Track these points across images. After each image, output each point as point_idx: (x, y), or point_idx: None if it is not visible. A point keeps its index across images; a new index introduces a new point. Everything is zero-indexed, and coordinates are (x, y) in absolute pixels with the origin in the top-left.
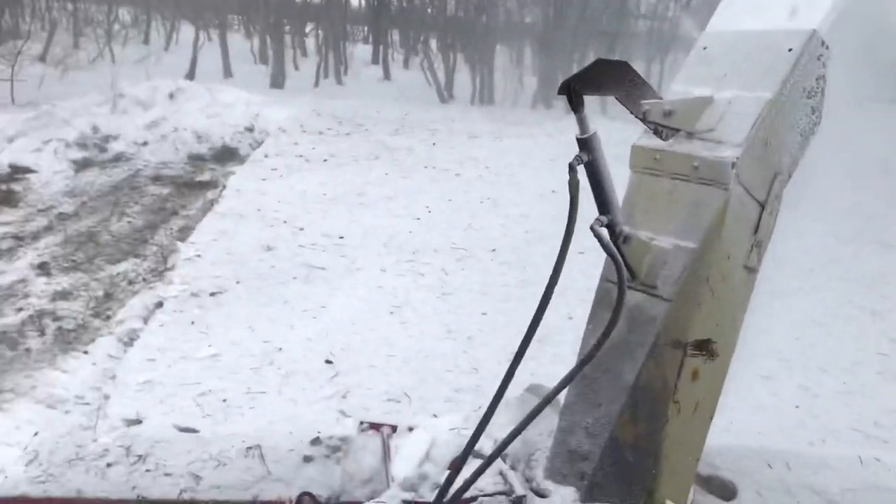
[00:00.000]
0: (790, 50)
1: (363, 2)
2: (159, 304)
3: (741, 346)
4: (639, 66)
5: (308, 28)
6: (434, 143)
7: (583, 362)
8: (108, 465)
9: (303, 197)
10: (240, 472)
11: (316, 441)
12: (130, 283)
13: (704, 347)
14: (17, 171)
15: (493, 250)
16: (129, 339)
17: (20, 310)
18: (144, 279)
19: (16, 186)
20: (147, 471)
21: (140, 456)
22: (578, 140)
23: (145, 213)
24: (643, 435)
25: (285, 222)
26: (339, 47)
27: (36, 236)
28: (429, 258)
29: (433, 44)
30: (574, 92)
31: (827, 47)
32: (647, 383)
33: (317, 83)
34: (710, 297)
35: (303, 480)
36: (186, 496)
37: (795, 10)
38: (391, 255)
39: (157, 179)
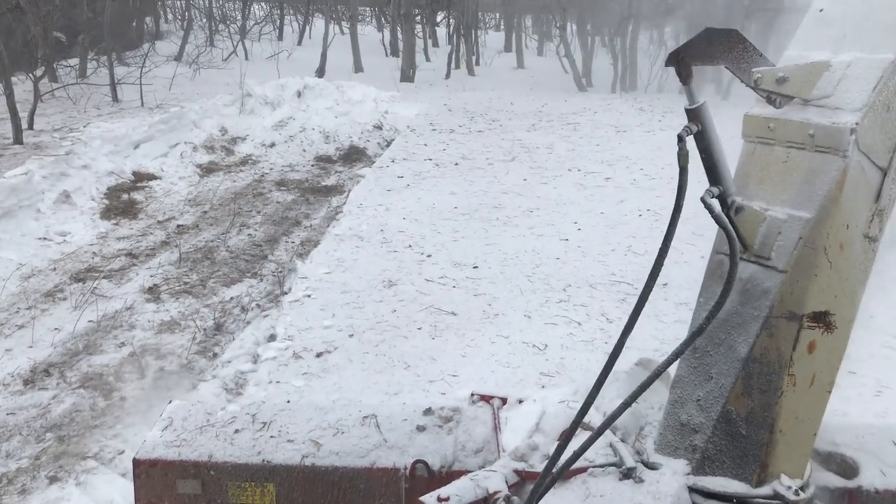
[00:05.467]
0: None
1: None
2: (256, 360)
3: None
4: None
5: (439, 17)
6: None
7: (693, 335)
8: (236, 431)
9: (431, 212)
10: (357, 440)
11: (428, 411)
12: (243, 311)
13: (821, 319)
14: (141, 179)
15: (665, 284)
16: (235, 386)
17: (122, 345)
18: (258, 305)
19: (137, 196)
20: (271, 437)
21: (264, 423)
22: (687, 111)
23: (266, 224)
24: (757, 408)
25: (410, 247)
26: (471, 36)
27: (151, 253)
28: (584, 297)
29: (569, 28)
30: (683, 62)
31: None
32: (761, 356)
33: (448, 74)
34: (827, 267)
35: (416, 449)
36: (308, 462)
37: None
38: (537, 293)
39: (281, 185)
